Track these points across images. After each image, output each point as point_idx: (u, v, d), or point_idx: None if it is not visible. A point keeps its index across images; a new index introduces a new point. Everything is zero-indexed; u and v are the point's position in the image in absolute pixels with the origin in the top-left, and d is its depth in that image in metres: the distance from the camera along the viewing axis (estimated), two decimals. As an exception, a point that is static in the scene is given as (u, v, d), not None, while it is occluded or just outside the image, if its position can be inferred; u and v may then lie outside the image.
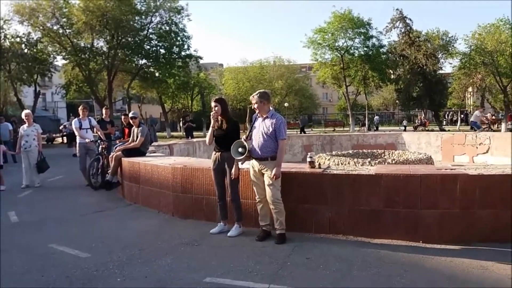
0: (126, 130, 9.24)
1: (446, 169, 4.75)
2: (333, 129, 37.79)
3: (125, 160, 7.24)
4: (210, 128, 4.98)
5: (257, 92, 4.73)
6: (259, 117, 4.72)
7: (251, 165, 4.72)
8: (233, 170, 4.77)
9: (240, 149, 4.62)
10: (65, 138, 24.65)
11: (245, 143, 4.60)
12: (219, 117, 4.92)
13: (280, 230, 4.56)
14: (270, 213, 4.66)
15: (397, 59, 31.96)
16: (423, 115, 36.54)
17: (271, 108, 4.72)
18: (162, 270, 3.84)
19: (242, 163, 4.82)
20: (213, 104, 4.93)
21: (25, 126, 9.04)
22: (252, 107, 4.75)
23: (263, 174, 4.60)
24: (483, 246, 4.11)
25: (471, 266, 3.69)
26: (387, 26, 31.68)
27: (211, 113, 4.93)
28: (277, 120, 4.58)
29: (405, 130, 29.41)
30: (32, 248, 4.59)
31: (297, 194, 4.82)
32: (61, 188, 8.81)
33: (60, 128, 27.22)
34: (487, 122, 15.75)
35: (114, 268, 3.89)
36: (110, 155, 8.03)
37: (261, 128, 4.62)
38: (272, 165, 4.51)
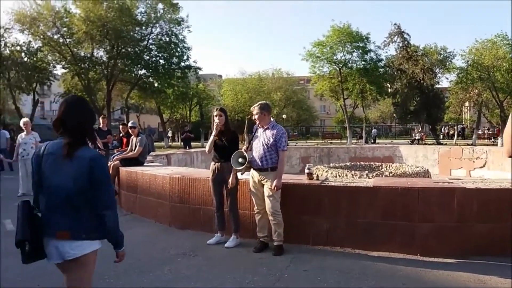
0: (125, 140, 9.25)
1: (443, 183, 4.77)
2: (325, 140, 37.79)
3: (123, 170, 7.23)
4: (212, 137, 4.92)
5: (258, 103, 4.76)
6: (259, 127, 4.74)
7: (250, 176, 4.73)
8: (230, 179, 4.77)
9: (240, 159, 4.64)
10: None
11: (245, 154, 4.61)
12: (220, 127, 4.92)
13: (278, 242, 4.54)
14: (268, 224, 4.65)
15: (395, 73, 32.21)
16: (420, 128, 36.73)
17: (271, 119, 4.75)
18: (159, 281, 3.82)
19: (242, 173, 4.83)
20: (217, 112, 4.90)
21: (23, 134, 9.03)
22: (253, 118, 4.77)
23: (262, 185, 4.61)
24: (480, 260, 4.11)
25: (469, 280, 3.69)
26: (385, 41, 31.98)
27: (215, 123, 4.88)
28: (278, 131, 4.60)
29: (418, 143, 29.75)
30: (27, 257, 4.56)
31: (295, 205, 4.82)
32: (57, 196, 8.75)
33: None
34: None
35: (110, 278, 3.87)
36: (108, 164, 8.02)
37: (261, 139, 4.63)
38: (272, 176, 4.52)
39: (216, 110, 4.98)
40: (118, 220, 2.30)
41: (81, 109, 2.32)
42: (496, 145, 25.22)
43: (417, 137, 33.56)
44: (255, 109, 4.68)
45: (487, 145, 20.29)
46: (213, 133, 4.89)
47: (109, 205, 2.24)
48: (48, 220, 2.19)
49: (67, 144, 2.19)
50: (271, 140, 4.56)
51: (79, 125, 2.26)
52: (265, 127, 4.67)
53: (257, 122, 4.72)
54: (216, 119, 4.88)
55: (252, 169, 4.66)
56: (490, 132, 37.69)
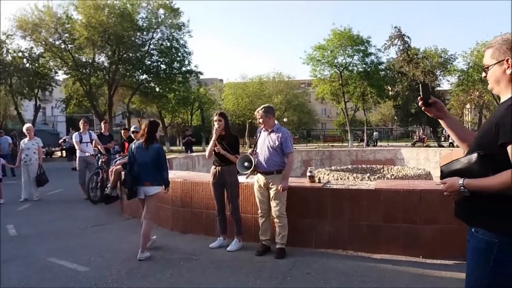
0: (126, 144, 9.26)
1: (445, 185, 4.76)
2: (326, 144, 37.68)
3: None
4: (211, 142, 4.94)
5: (261, 107, 4.76)
6: (264, 131, 4.75)
7: (255, 180, 4.72)
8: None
9: (246, 163, 4.64)
10: (64, 152, 24.66)
11: (251, 158, 4.61)
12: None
13: (280, 245, 4.54)
14: (271, 227, 4.65)
15: (396, 76, 32.29)
16: (421, 131, 36.71)
17: (276, 122, 4.76)
18: (162, 285, 3.82)
19: (247, 178, 4.82)
20: (217, 117, 4.92)
21: (26, 139, 9.06)
22: (258, 122, 4.78)
23: (268, 189, 4.61)
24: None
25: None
26: (385, 44, 32.10)
27: (215, 128, 4.92)
28: (283, 134, 4.61)
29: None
30: (30, 261, 4.57)
31: (297, 208, 4.82)
32: (60, 201, 8.78)
33: (60, 142, 27.23)
34: None
35: (113, 282, 3.87)
36: (110, 169, 8.03)
37: (266, 142, 4.64)
38: (278, 179, 4.52)
39: (216, 115, 4.99)
40: (168, 175, 4.80)
41: (155, 126, 4.79)
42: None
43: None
44: (259, 113, 4.68)
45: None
46: (213, 137, 4.91)
47: (165, 169, 4.76)
48: (139, 178, 4.61)
49: (145, 142, 4.65)
50: (277, 143, 4.56)
51: (153, 134, 4.71)
52: (270, 130, 4.68)
53: (262, 126, 4.73)
54: (216, 124, 4.91)
55: (257, 172, 4.66)
56: None
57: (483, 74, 1.87)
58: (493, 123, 1.68)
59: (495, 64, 1.75)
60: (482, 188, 1.65)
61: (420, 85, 2.00)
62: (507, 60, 1.70)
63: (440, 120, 2.06)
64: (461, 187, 1.71)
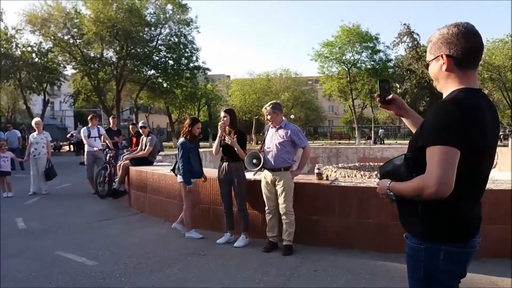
0: (134, 139, 9.30)
1: (454, 183, 4.71)
2: (334, 141, 37.47)
3: (133, 169, 7.27)
4: (217, 138, 4.97)
5: (269, 103, 4.76)
6: (272, 127, 4.74)
7: (263, 176, 4.72)
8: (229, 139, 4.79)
9: (254, 160, 4.63)
10: (72, 146, 24.84)
11: (259, 154, 4.60)
12: (227, 128, 4.95)
13: (287, 242, 4.54)
14: (278, 224, 4.65)
15: (404, 73, 32.12)
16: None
17: (283, 119, 4.75)
18: (169, 280, 3.84)
19: (254, 174, 4.82)
20: (222, 114, 4.97)
21: (35, 134, 9.13)
22: (265, 119, 4.77)
23: (275, 185, 4.60)
24: (492, 261, 4.05)
25: (481, 282, 3.65)
26: (394, 41, 31.99)
27: (219, 123, 4.96)
28: (292, 130, 4.59)
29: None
30: (39, 255, 4.61)
31: (305, 205, 4.80)
32: (68, 196, 8.85)
33: (68, 136, 27.43)
34: None
35: (121, 277, 3.89)
36: (118, 164, 8.07)
37: (274, 138, 4.62)
38: (285, 176, 4.51)
39: (223, 111, 5.03)
40: (187, 170, 5.08)
41: (192, 122, 5.32)
42: (507, 146, 24.92)
43: None
44: (266, 110, 4.67)
45: (498, 146, 20.07)
46: (218, 134, 4.92)
47: (181, 161, 5.07)
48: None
49: (180, 136, 5.38)
50: (285, 139, 4.55)
51: (187, 129, 5.31)
52: (277, 126, 4.66)
53: (270, 122, 4.72)
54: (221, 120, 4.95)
55: (265, 169, 4.65)
56: (501, 133, 37.26)
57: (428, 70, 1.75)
58: (422, 124, 1.58)
59: (432, 59, 1.63)
60: (401, 193, 1.56)
61: (378, 81, 1.89)
62: (441, 56, 1.58)
63: (402, 118, 1.94)
64: (388, 190, 1.62)
